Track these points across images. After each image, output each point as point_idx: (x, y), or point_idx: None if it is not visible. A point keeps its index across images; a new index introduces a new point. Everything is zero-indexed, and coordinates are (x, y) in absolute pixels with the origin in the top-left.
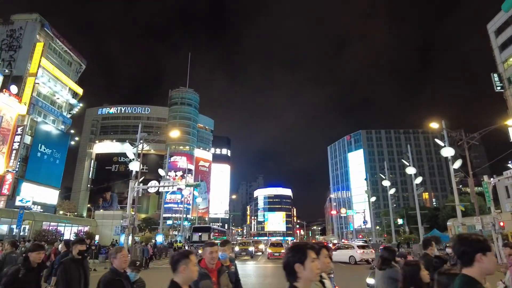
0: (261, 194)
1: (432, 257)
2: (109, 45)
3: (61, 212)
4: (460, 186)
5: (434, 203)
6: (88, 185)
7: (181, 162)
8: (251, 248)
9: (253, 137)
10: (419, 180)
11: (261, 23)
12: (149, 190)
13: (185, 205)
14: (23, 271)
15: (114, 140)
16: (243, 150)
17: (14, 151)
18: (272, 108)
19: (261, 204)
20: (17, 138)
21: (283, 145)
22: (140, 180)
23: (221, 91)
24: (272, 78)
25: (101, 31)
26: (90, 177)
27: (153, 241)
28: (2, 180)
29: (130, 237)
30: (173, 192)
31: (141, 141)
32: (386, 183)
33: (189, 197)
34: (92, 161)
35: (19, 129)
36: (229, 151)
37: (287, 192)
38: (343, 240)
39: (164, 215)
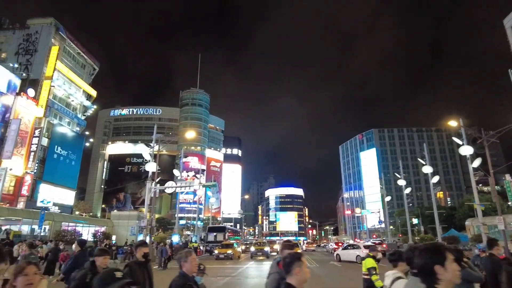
0: (272, 194)
1: (498, 257)
2: (119, 46)
3: (77, 212)
4: (480, 185)
5: (449, 202)
6: (102, 186)
7: (193, 162)
8: (267, 248)
9: (264, 136)
10: (436, 179)
11: (270, 21)
12: (166, 190)
13: (198, 205)
14: (90, 275)
15: (126, 141)
16: (253, 150)
17: (32, 153)
18: (282, 107)
19: (272, 204)
20: (35, 140)
21: (294, 144)
22: (157, 180)
23: (231, 91)
24: (281, 77)
25: (111, 33)
26: (103, 178)
27: (168, 241)
28: (22, 182)
29: (148, 238)
30: (186, 192)
31: (156, 142)
32: (402, 182)
33: (201, 197)
34: (105, 162)
35: (37, 131)
36: (240, 151)
37: (299, 192)
38: (357, 240)
39: (179, 215)
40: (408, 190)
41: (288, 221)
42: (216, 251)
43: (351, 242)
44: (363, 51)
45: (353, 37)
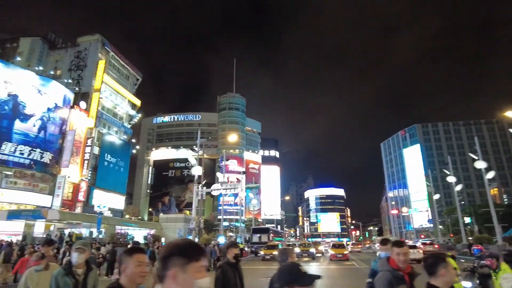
0: (312, 194)
1: None
2: (158, 55)
3: (126, 216)
4: None
5: (505, 200)
6: (148, 191)
7: (232, 165)
8: (312, 250)
9: (301, 137)
10: (491, 174)
11: (303, 18)
12: (212, 193)
13: (240, 207)
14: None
15: (169, 147)
16: (291, 151)
17: (86, 161)
18: (319, 105)
19: (312, 205)
20: (88, 149)
21: (332, 143)
22: (203, 183)
23: (266, 92)
24: (317, 74)
25: (150, 42)
26: (149, 182)
27: (213, 242)
28: (78, 188)
29: (197, 239)
30: (229, 195)
31: (200, 147)
32: (451, 179)
33: (242, 199)
34: (150, 167)
35: (89, 141)
36: (277, 153)
37: (340, 192)
38: (406, 241)
39: (220, 217)
40: (459, 187)
41: (329, 222)
42: (262, 252)
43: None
44: (404, 42)
45: (392, 27)
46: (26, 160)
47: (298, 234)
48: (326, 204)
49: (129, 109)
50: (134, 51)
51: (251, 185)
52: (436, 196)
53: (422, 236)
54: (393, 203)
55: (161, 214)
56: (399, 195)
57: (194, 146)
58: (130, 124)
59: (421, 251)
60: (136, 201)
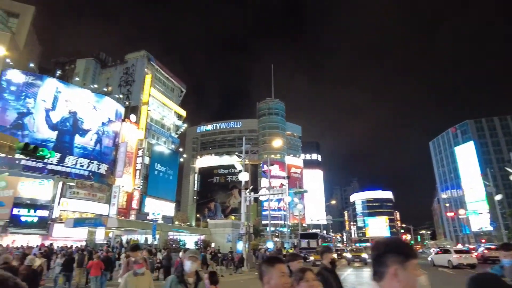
0: (358, 198)
1: None
2: (196, 64)
3: (176, 222)
4: None
5: None
6: (194, 197)
7: (274, 170)
8: (365, 255)
9: (343, 139)
10: None
11: (339, 15)
12: (260, 198)
13: (283, 212)
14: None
15: (213, 154)
16: (333, 154)
17: (138, 171)
18: (360, 105)
19: (359, 208)
20: (139, 160)
21: (376, 144)
22: (250, 188)
23: (305, 94)
24: (356, 73)
25: (187, 53)
26: (195, 189)
27: (262, 247)
28: (131, 197)
29: (246, 244)
30: (275, 200)
31: (244, 153)
32: None
33: (286, 204)
34: (196, 175)
35: (140, 152)
36: (319, 156)
37: (388, 194)
38: (459, 245)
39: (264, 222)
40: None
41: (378, 226)
42: (312, 258)
43: (459, 247)
44: (450, 32)
45: (437, 17)
46: (85, 171)
47: (345, 239)
48: (374, 208)
49: (175, 120)
50: (175, 63)
51: (299, 190)
52: (498, 197)
53: (484, 241)
54: (447, 204)
55: (208, 219)
56: (453, 196)
57: (237, 153)
58: (177, 134)
59: (473, 256)
60: (183, 208)
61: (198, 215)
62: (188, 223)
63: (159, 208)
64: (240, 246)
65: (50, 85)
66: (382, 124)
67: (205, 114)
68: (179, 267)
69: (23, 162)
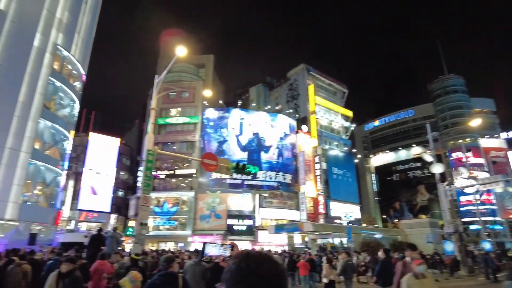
0: None
1: None
2: (347, 60)
3: (363, 224)
4: None
5: None
6: (375, 198)
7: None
8: None
9: None
10: None
11: None
12: (465, 191)
13: (490, 206)
14: None
15: (387, 151)
16: None
17: (318, 177)
18: None
19: None
20: (317, 166)
21: None
22: (448, 182)
23: (490, 57)
24: None
25: (337, 51)
26: (374, 189)
27: (476, 249)
28: (316, 202)
29: (455, 245)
30: (466, 193)
31: (434, 141)
32: None
33: (491, 196)
34: (372, 175)
35: (316, 158)
36: None
37: None
38: None
39: (464, 220)
40: None
41: None
42: None
43: None
44: None
45: None
46: (274, 183)
47: None
48: None
49: (343, 122)
50: (327, 65)
51: None
52: None
53: None
54: None
55: (396, 220)
56: None
57: (414, 145)
58: (347, 135)
59: None
60: (366, 209)
61: (385, 216)
62: (376, 225)
63: (344, 211)
64: (449, 247)
65: (235, 115)
66: None
67: (370, 111)
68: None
69: (228, 181)
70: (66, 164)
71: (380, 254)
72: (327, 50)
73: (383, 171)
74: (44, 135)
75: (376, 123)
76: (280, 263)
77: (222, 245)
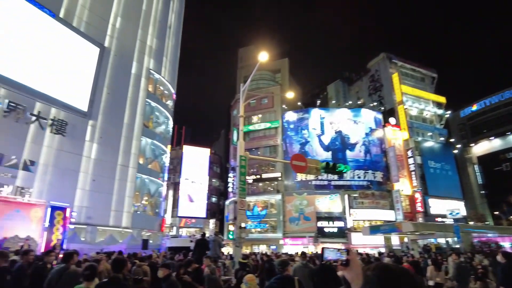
0: None
1: None
2: (432, 41)
3: (471, 222)
4: None
5: None
6: (481, 191)
7: None
8: None
9: None
10: None
11: None
12: None
13: None
14: None
15: (491, 138)
16: None
17: (413, 172)
18: None
19: None
20: (410, 161)
21: None
22: None
23: None
24: None
25: (418, 32)
26: (478, 182)
27: None
28: (413, 199)
29: None
30: None
31: None
32: None
33: None
34: (475, 165)
35: (409, 152)
36: None
37: None
38: None
39: None
40: None
41: None
42: None
43: None
44: None
45: None
46: (363, 182)
47: None
48: None
49: (435, 110)
50: (411, 50)
51: None
52: None
53: None
54: None
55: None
56: None
57: None
58: (441, 124)
59: None
60: (470, 205)
61: (497, 212)
62: (487, 222)
63: (445, 207)
64: None
65: (315, 115)
66: None
67: (465, 94)
68: None
69: (313, 182)
70: (166, 175)
71: (499, 258)
72: (407, 34)
73: (488, 160)
74: (146, 151)
75: (474, 107)
76: (416, 276)
77: (338, 249)
